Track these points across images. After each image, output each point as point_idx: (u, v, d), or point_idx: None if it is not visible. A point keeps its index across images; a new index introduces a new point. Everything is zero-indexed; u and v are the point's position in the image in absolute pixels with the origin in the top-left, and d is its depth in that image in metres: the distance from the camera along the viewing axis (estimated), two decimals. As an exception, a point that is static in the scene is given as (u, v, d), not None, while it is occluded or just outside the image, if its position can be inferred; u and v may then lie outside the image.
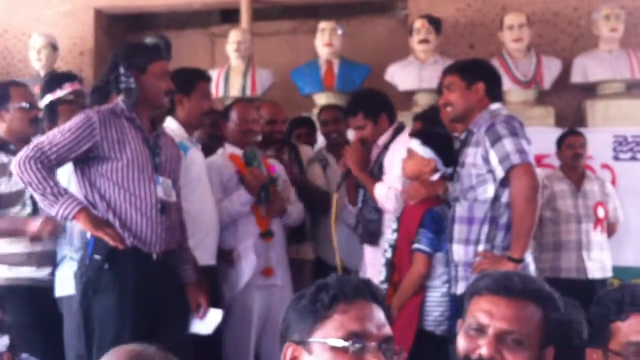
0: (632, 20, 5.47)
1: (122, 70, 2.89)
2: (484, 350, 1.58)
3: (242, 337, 3.58)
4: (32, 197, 3.20)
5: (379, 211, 3.53)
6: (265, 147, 3.96)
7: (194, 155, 3.49)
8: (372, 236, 3.55)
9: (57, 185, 2.77)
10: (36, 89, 4.20)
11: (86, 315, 2.83)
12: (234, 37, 5.58)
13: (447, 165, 3.26)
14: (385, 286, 3.22)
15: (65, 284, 3.25)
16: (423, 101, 5.30)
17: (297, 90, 5.68)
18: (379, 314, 1.45)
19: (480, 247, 3.01)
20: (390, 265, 3.27)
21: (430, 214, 3.19)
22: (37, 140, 2.89)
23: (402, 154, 3.42)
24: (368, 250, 3.62)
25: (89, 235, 2.84)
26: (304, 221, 4.02)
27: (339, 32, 5.53)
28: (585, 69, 5.33)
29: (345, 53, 5.63)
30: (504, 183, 2.98)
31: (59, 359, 3.27)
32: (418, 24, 5.37)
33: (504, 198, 2.99)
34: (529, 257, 3.07)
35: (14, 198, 3.29)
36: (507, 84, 5.17)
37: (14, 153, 3.26)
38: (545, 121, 5.19)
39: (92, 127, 2.81)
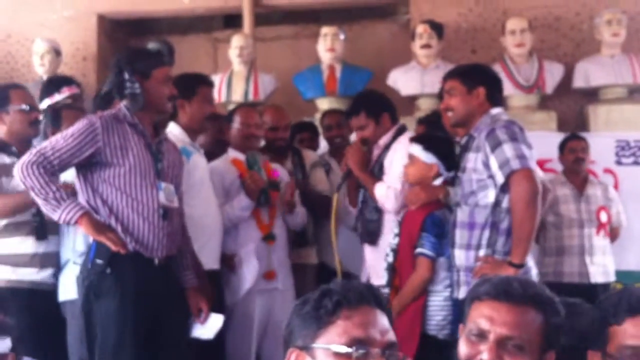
0: (634, 25, 5.47)
1: (126, 75, 2.90)
2: (485, 356, 1.59)
3: (243, 341, 3.59)
4: None
5: (379, 211, 3.53)
6: (269, 152, 3.96)
7: (197, 160, 3.50)
8: (372, 236, 3.56)
9: (59, 190, 2.79)
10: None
11: (88, 319, 2.84)
12: (236, 42, 5.60)
13: (449, 170, 3.26)
14: (387, 290, 3.23)
15: (69, 289, 3.26)
16: (425, 106, 5.31)
17: (300, 95, 5.69)
18: (383, 320, 1.45)
19: (482, 252, 3.02)
20: (392, 269, 3.27)
21: (432, 218, 3.19)
22: (40, 145, 2.90)
23: (402, 154, 3.43)
24: (368, 251, 3.62)
25: (91, 239, 2.85)
26: (307, 226, 4.02)
27: (341, 37, 5.53)
28: (588, 73, 5.32)
29: (348, 58, 5.64)
30: (504, 188, 2.98)
31: (61, 363, 3.29)
32: (420, 29, 5.37)
33: (505, 203, 2.99)
34: (530, 262, 3.07)
35: None
36: (509, 88, 5.17)
37: (15, 154, 3.29)
38: (548, 126, 5.20)
39: (94, 133, 2.82)
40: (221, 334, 3.22)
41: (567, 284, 4.36)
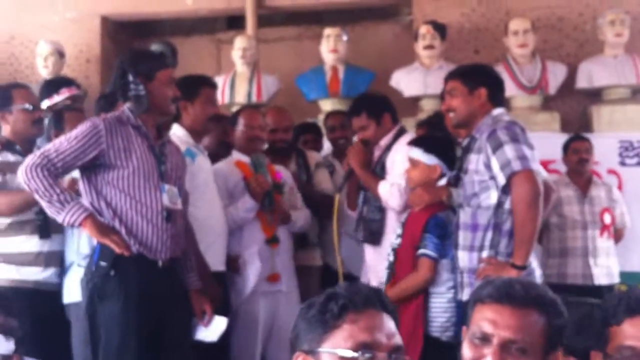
0: (637, 25, 5.46)
1: (130, 77, 2.91)
2: None
3: (248, 343, 3.59)
4: None
5: (381, 211, 3.54)
6: (272, 154, 3.97)
7: (201, 162, 3.50)
8: (374, 235, 3.57)
9: (63, 192, 2.79)
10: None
11: (92, 321, 2.85)
12: (239, 44, 5.60)
13: (451, 169, 3.27)
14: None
15: (73, 291, 3.27)
16: (428, 107, 5.31)
17: (303, 96, 5.69)
18: (389, 324, 1.45)
19: (485, 254, 3.01)
20: (393, 269, 3.27)
21: (435, 220, 3.19)
22: (44, 147, 2.91)
23: (404, 153, 3.43)
24: (369, 252, 3.62)
25: (95, 242, 2.86)
26: (311, 227, 4.03)
27: (344, 38, 5.54)
28: (591, 74, 5.32)
29: (350, 59, 5.64)
30: (506, 190, 2.98)
31: (65, 365, 3.29)
32: (423, 29, 5.37)
33: (507, 204, 2.98)
34: (534, 263, 3.06)
35: None
36: (512, 89, 5.18)
37: (19, 153, 3.31)
38: (551, 127, 5.19)
39: (98, 135, 2.82)
40: (226, 336, 3.23)
41: (571, 286, 4.36)
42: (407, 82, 5.46)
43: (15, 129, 3.44)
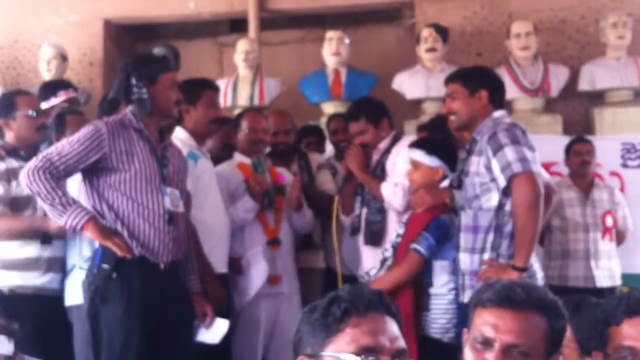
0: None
1: (133, 81, 2.92)
2: None
3: (249, 345, 3.60)
4: None
5: (382, 212, 3.56)
6: (274, 157, 3.98)
7: (204, 165, 3.51)
8: (375, 237, 3.57)
9: (65, 195, 2.80)
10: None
11: (94, 323, 2.85)
12: (242, 47, 5.61)
13: (453, 171, 3.27)
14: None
15: (75, 294, 3.26)
16: (431, 110, 5.32)
17: (305, 99, 5.70)
18: (392, 327, 1.45)
19: (486, 256, 3.02)
20: (385, 263, 3.28)
21: (437, 222, 3.19)
22: (46, 151, 2.92)
23: (404, 155, 3.45)
24: (368, 253, 3.62)
25: (97, 244, 2.87)
26: (314, 230, 4.03)
27: (346, 41, 5.55)
28: (593, 76, 5.32)
29: (353, 62, 5.65)
30: (507, 192, 2.98)
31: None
32: (425, 32, 5.38)
33: (508, 206, 2.99)
34: (535, 265, 3.07)
35: (25, 202, 3.33)
36: (514, 92, 5.18)
37: (23, 158, 3.31)
38: (553, 129, 5.19)
39: (100, 139, 2.83)
40: (228, 338, 3.24)
41: (573, 288, 4.35)
42: (409, 85, 5.46)
43: (19, 135, 3.46)
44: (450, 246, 3.16)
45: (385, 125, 3.68)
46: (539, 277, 3.07)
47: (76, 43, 6.04)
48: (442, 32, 5.37)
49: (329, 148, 4.66)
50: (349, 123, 3.77)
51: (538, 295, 1.66)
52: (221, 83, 5.06)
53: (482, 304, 1.66)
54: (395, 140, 3.67)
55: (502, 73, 4.79)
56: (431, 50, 5.35)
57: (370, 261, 3.55)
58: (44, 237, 3.33)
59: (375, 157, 3.68)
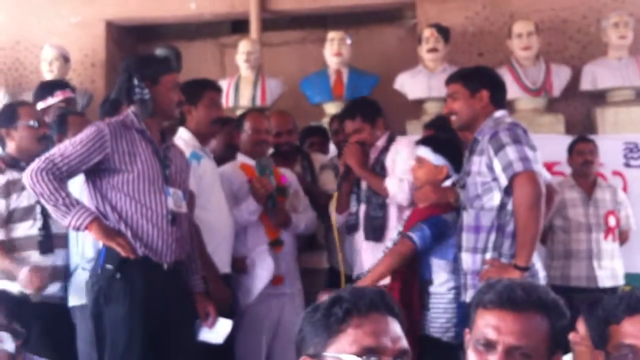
0: (641, 27, 5.47)
1: (135, 81, 2.92)
2: None
3: (253, 345, 3.60)
4: (42, 212, 3.24)
5: (383, 208, 3.57)
6: (277, 157, 3.98)
7: (207, 165, 3.52)
8: (377, 232, 3.58)
9: (68, 196, 2.81)
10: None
11: (98, 323, 2.86)
12: (243, 48, 5.62)
13: (457, 171, 3.27)
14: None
15: (78, 294, 3.27)
16: (432, 110, 5.32)
17: (306, 100, 5.70)
18: (395, 327, 1.45)
19: (488, 255, 3.02)
20: None
21: (437, 218, 3.19)
22: (49, 152, 2.92)
23: (406, 153, 3.48)
24: (367, 252, 3.62)
25: (100, 245, 2.87)
26: (317, 230, 4.03)
27: (348, 41, 5.55)
28: (595, 76, 5.32)
29: (354, 62, 5.65)
30: (508, 191, 2.98)
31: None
32: (427, 32, 5.38)
33: (510, 206, 2.98)
34: (537, 264, 3.07)
35: (25, 213, 3.33)
36: (516, 92, 5.18)
37: (24, 170, 3.30)
38: (555, 129, 5.19)
39: (103, 140, 2.84)
40: (231, 338, 3.24)
41: (575, 288, 4.35)
42: (411, 85, 5.47)
43: (20, 146, 3.45)
44: (448, 245, 3.16)
45: (381, 125, 3.71)
46: (541, 277, 3.07)
47: (78, 44, 6.05)
48: (444, 32, 5.38)
49: (332, 148, 4.66)
50: (344, 122, 3.78)
51: (539, 295, 1.65)
52: (223, 84, 5.06)
53: (484, 305, 1.66)
54: (390, 139, 3.69)
55: (504, 73, 4.80)
56: (433, 50, 5.35)
57: (370, 258, 3.55)
58: (44, 246, 3.33)
59: (373, 155, 3.69)
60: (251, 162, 3.72)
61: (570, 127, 5.26)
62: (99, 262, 2.86)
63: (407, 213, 3.41)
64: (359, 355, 1.39)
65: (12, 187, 3.33)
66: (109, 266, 2.82)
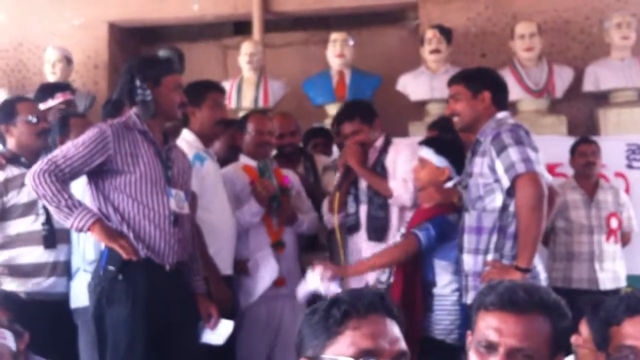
0: (644, 28, 5.46)
1: (138, 82, 2.93)
2: None
3: (254, 347, 3.60)
4: (44, 207, 3.25)
5: (385, 208, 3.57)
6: (279, 158, 3.98)
7: (210, 166, 3.52)
8: (379, 232, 3.59)
9: (71, 197, 2.81)
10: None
11: (99, 325, 2.87)
12: (246, 49, 5.62)
13: (459, 173, 3.27)
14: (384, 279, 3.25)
15: (80, 296, 3.28)
16: (435, 111, 5.32)
17: (309, 101, 5.70)
18: (393, 329, 1.44)
19: (490, 257, 3.01)
20: None
21: (442, 218, 3.19)
22: (51, 154, 2.93)
23: (407, 153, 3.49)
24: (369, 252, 3.61)
25: (102, 246, 2.88)
26: (319, 231, 4.03)
27: (350, 42, 5.55)
28: (597, 77, 5.31)
29: (357, 63, 5.65)
30: (510, 192, 2.98)
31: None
32: (429, 34, 5.38)
33: (512, 207, 2.98)
34: (539, 266, 3.06)
35: (27, 209, 3.35)
36: (519, 93, 5.18)
37: (25, 165, 3.33)
38: (558, 130, 5.18)
39: (105, 141, 2.84)
40: (232, 339, 3.24)
41: (576, 290, 4.34)
42: (413, 86, 5.46)
43: (20, 142, 3.47)
44: (451, 246, 3.16)
45: (377, 126, 3.72)
46: (542, 278, 3.06)
47: (81, 46, 6.06)
48: (446, 33, 5.37)
49: (336, 150, 4.66)
50: (342, 123, 3.78)
51: (540, 297, 1.65)
52: (225, 85, 5.06)
53: (485, 307, 1.66)
54: (387, 141, 3.70)
55: (507, 74, 4.79)
56: (435, 51, 5.35)
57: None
58: (47, 241, 3.34)
59: (373, 155, 3.69)
60: (254, 163, 3.72)
61: (573, 128, 5.26)
62: (101, 264, 2.86)
63: (409, 214, 3.41)
64: (356, 357, 1.38)
65: (10, 185, 3.34)
66: (111, 268, 2.83)
